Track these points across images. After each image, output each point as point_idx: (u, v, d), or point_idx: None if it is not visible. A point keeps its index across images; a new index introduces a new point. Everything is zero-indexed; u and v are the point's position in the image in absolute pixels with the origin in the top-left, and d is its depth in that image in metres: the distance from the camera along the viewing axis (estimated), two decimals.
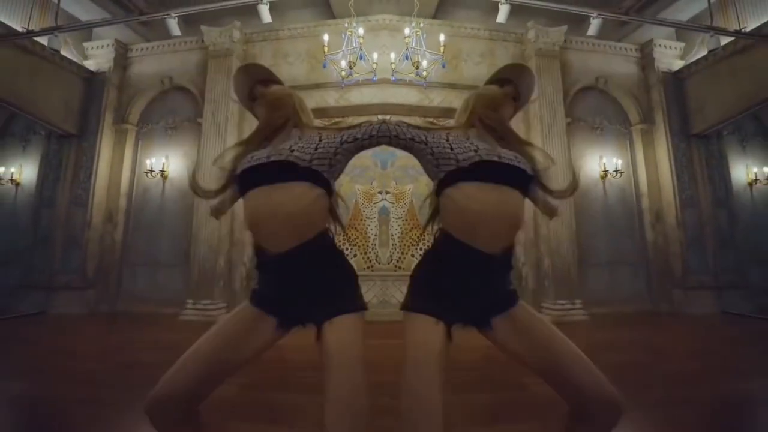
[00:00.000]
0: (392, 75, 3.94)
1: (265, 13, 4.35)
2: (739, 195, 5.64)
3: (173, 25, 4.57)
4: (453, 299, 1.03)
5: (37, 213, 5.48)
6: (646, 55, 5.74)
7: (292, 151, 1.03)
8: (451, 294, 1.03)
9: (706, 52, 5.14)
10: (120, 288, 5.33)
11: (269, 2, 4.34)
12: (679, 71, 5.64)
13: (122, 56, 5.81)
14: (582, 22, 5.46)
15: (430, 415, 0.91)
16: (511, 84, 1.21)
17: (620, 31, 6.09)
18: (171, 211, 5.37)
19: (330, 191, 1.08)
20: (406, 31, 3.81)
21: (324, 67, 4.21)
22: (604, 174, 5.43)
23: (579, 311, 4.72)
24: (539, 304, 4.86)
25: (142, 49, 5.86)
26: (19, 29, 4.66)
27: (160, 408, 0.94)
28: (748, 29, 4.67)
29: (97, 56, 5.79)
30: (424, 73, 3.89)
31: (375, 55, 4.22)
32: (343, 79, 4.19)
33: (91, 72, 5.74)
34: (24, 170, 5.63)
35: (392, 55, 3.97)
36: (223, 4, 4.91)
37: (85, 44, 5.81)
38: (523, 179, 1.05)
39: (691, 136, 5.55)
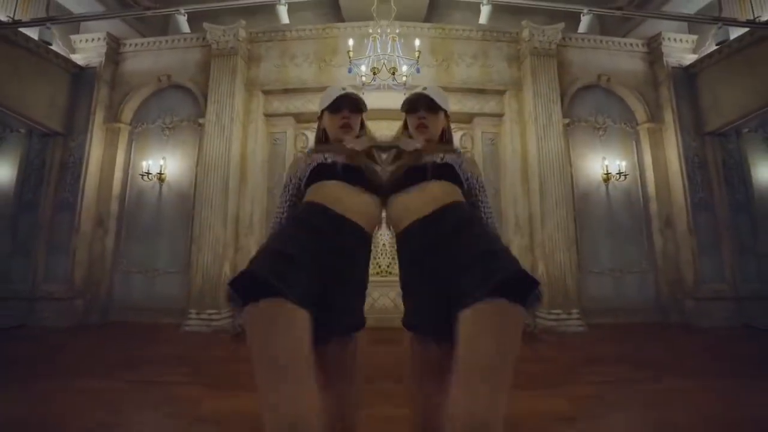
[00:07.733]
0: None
1: (283, 14, 4.14)
2: (764, 198, 5.16)
3: (182, 22, 4.30)
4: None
5: (15, 218, 4.97)
6: (653, 50, 5.40)
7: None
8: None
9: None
10: (112, 297, 5.02)
11: (287, 3, 4.15)
12: (691, 65, 5.26)
13: (114, 51, 5.43)
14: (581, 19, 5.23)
15: None
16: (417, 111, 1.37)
17: (625, 26, 5.78)
18: (169, 216, 5.12)
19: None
20: (379, 35, 3.78)
21: (349, 72, 4.10)
22: (607, 177, 5.15)
23: (575, 322, 4.47)
24: (533, 312, 4.66)
25: (136, 45, 5.49)
26: (3, 18, 4.28)
27: None
28: (763, 18, 4.30)
29: (86, 50, 5.38)
30: (404, 78, 3.85)
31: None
32: (364, 84, 4.07)
33: (79, 67, 5.30)
34: None
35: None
36: (237, 3, 4.68)
37: (73, 37, 5.40)
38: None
39: (705, 135, 5.17)
